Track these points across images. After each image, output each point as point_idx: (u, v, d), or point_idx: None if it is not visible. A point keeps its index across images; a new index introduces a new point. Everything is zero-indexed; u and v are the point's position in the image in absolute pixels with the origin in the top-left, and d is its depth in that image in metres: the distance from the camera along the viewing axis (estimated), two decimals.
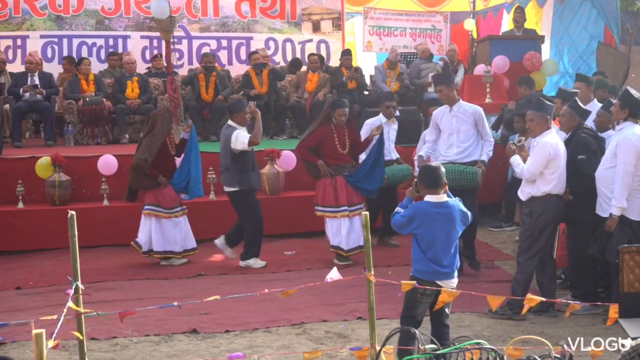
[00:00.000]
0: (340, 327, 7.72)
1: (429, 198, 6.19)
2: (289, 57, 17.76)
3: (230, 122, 10.25)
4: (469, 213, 6.33)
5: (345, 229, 10.25)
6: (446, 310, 6.29)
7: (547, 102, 8.21)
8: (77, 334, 4.49)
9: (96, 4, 16.95)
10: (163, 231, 10.42)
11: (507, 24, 18.14)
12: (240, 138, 9.99)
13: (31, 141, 14.87)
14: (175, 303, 5.44)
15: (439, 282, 6.00)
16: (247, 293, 7.68)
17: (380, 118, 11.16)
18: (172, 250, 10.49)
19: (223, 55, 17.30)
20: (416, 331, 5.11)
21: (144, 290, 9.23)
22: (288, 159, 12.24)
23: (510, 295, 7.65)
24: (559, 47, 16.54)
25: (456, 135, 9.67)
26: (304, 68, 16.13)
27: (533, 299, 5.24)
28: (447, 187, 6.28)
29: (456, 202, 6.26)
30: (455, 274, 6.26)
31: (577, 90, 9.46)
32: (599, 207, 7.92)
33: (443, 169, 6.29)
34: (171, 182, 10.47)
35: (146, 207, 10.45)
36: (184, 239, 10.57)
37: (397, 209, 6.35)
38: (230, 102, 11.63)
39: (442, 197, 6.18)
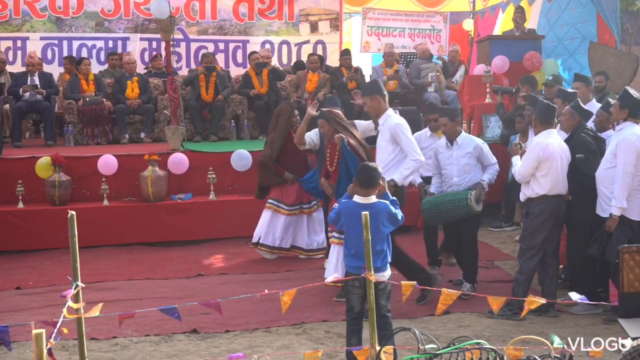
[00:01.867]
0: (340, 327, 7.71)
1: (356, 198, 6.38)
2: (286, 60, 17.85)
3: None
4: (399, 215, 6.48)
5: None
6: (382, 302, 6.35)
7: (548, 104, 8.24)
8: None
9: (96, 5, 17.04)
10: (277, 226, 10.51)
11: (502, 23, 18.13)
12: None
13: (31, 141, 14.89)
14: (176, 305, 5.44)
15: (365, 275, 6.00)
16: (247, 294, 7.72)
17: (426, 131, 10.07)
18: (280, 247, 10.59)
19: (220, 58, 17.40)
20: (416, 331, 5.10)
21: (144, 290, 9.23)
22: None
23: (511, 296, 7.67)
24: (545, 45, 16.45)
25: (378, 150, 8.69)
26: None
27: (533, 300, 5.23)
28: (383, 188, 6.44)
29: (385, 204, 6.41)
30: (386, 267, 6.42)
31: (577, 91, 9.47)
32: (599, 207, 7.92)
33: (380, 171, 6.45)
34: (301, 180, 10.49)
35: (269, 200, 10.55)
36: (295, 236, 10.65)
37: (334, 205, 6.60)
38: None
39: (370, 199, 6.34)
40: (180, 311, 5.14)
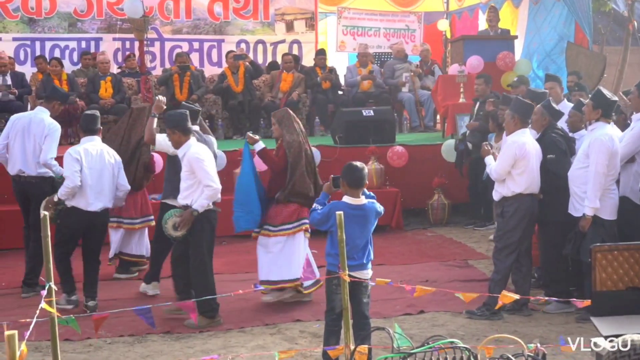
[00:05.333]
0: (314, 326, 7.71)
1: (347, 199, 6.39)
2: (261, 59, 17.78)
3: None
4: (382, 210, 6.58)
5: None
6: (364, 299, 6.41)
7: (526, 102, 8.29)
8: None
9: (68, 6, 16.89)
10: None
11: (483, 24, 18.21)
12: None
13: None
14: (150, 305, 5.43)
15: (351, 273, 5.97)
16: (221, 294, 7.71)
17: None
18: None
19: (195, 57, 17.26)
20: (390, 330, 5.11)
21: (117, 291, 9.18)
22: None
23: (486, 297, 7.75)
24: (530, 47, 16.61)
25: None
26: None
27: (507, 296, 5.26)
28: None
29: (372, 204, 6.46)
30: (369, 265, 6.46)
31: (546, 91, 9.53)
32: (571, 207, 7.97)
33: (366, 170, 6.47)
34: None
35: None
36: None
37: (315, 205, 6.57)
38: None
39: (360, 200, 6.38)
40: (154, 311, 5.13)
